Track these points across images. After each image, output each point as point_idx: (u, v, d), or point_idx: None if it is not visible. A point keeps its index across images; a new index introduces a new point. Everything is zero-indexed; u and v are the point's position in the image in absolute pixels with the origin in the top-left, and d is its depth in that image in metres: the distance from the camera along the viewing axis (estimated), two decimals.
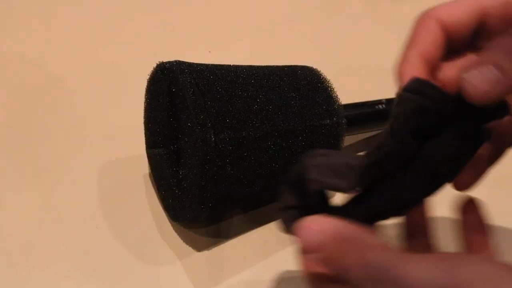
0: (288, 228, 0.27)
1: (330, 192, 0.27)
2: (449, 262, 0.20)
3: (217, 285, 0.36)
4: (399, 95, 0.24)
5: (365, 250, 0.22)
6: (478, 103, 0.22)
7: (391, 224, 0.28)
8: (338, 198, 0.27)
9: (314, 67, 0.39)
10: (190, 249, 0.38)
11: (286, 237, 0.39)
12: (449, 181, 0.25)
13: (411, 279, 0.19)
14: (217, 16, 0.57)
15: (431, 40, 0.27)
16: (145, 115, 0.40)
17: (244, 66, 0.37)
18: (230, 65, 0.37)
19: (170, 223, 0.39)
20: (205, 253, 0.38)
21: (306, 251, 0.24)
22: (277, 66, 0.38)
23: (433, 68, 0.28)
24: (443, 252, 0.24)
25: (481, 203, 0.29)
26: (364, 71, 0.52)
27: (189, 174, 0.34)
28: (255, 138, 0.34)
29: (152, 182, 0.41)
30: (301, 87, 0.37)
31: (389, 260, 0.20)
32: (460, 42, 0.28)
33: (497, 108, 0.23)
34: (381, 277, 0.20)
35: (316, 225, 0.23)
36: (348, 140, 0.42)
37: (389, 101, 0.42)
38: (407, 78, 0.24)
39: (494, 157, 0.30)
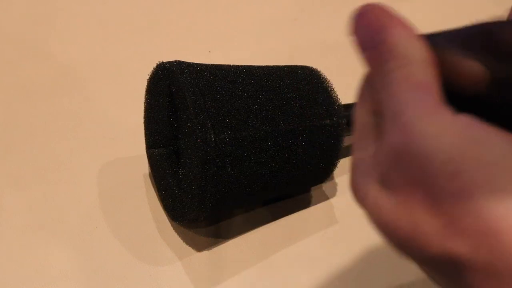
0: None
1: None
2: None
3: (217, 285, 0.36)
4: None
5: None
6: None
7: None
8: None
9: (314, 67, 0.39)
10: (190, 249, 0.38)
11: (286, 237, 0.39)
12: None
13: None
14: (217, 16, 0.57)
15: None
16: (145, 115, 0.40)
17: (244, 66, 0.37)
18: (230, 65, 0.37)
19: (170, 223, 0.39)
20: (205, 253, 0.38)
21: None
22: (277, 66, 0.38)
23: None
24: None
25: None
26: (364, 71, 0.52)
27: (189, 174, 0.34)
28: (255, 138, 0.34)
29: (152, 182, 0.41)
30: (301, 87, 0.37)
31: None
32: None
33: None
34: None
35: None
36: (348, 140, 0.42)
37: None
38: None
39: None
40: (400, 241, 0.19)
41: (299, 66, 0.39)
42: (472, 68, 0.20)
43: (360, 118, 0.22)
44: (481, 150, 0.17)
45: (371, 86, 0.22)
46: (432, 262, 0.18)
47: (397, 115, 0.19)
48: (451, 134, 0.18)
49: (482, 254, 0.17)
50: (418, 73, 0.19)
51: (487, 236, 0.17)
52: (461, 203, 0.17)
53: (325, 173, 0.39)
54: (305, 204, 0.41)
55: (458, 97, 0.20)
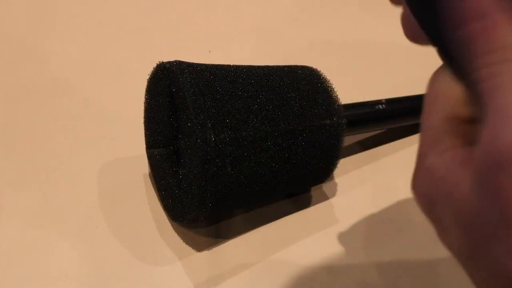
0: None
1: None
2: None
3: (217, 285, 0.36)
4: None
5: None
6: None
7: None
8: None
9: (314, 67, 0.39)
10: (190, 249, 0.38)
11: (286, 237, 0.39)
12: None
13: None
14: (217, 16, 0.57)
15: None
16: (145, 115, 0.40)
17: (244, 66, 0.37)
18: (230, 65, 0.37)
19: (170, 223, 0.39)
20: (205, 253, 0.38)
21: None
22: (277, 66, 0.38)
23: None
24: None
25: None
26: (364, 71, 0.52)
27: (189, 174, 0.34)
28: (255, 138, 0.34)
29: (152, 182, 0.41)
30: (301, 87, 0.37)
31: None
32: None
33: None
34: None
35: None
36: (348, 140, 0.42)
37: (389, 101, 0.42)
38: None
39: None
40: (479, 243, 0.18)
41: (299, 66, 0.39)
42: None
43: (433, 123, 0.21)
44: None
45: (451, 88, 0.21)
46: (496, 276, 0.18)
47: (506, 111, 0.17)
48: None
49: None
50: None
51: None
52: None
53: (325, 173, 0.39)
54: (305, 204, 0.41)
55: None
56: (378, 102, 0.42)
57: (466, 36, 0.18)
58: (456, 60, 0.19)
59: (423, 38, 0.22)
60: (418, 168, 0.21)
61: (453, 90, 0.21)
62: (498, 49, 0.18)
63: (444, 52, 0.20)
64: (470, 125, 0.20)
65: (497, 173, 0.17)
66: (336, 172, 0.39)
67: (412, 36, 0.24)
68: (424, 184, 0.20)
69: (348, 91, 0.39)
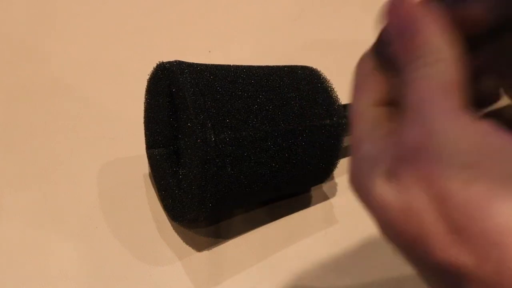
0: None
1: None
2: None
3: (217, 285, 0.36)
4: None
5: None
6: None
7: None
8: None
9: (314, 67, 0.39)
10: (190, 249, 0.38)
11: (286, 237, 0.39)
12: None
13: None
14: (217, 16, 0.57)
15: None
16: (145, 115, 0.40)
17: (244, 66, 0.37)
18: (230, 65, 0.37)
19: (170, 223, 0.39)
20: (205, 253, 0.38)
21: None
22: (277, 66, 0.38)
23: None
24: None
25: None
26: None
27: (189, 174, 0.34)
28: (255, 138, 0.34)
29: (152, 182, 0.41)
30: (301, 87, 0.37)
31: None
32: None
33: None
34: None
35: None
36: (348, 140, 0.42)
37: None
38: None
39: None
40: (404, 242, 0.19)
41: (299, 66, 0.39)
42: (477, 11, 0.20)
43: (365, 110, 0.22)
44: (498, 160, 0.17)
45: (378, 75, 0.22)
46: (434, 269, 0.18)
47: (420, 112, 0.19)
48: (471, 140, 0.17)
49: (487, 267, 0.16)
50: (447, 72, 0.19)
51: (495, 249, 0.16)
52: (471, 212, 0.17)
53: (325, 173, 0.39)
54: (305, 204, 0.41)
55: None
56: None
57: (395, 51, 0.21)
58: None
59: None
60: (354, 157, 0.21)
61: (379, 75, 0.22)
62: (420, 56, 0.20)
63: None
64: (395, 108, 0.21)
65: (398, 165, 0.19)
66: (336, 172, 0.39)
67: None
68: (358, 174, 0.21)
69: (348, 91, 0.39)
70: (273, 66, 0.38)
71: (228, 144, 0.32)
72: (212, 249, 0.38)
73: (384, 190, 0.19)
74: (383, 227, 0.20)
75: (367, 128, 0.21)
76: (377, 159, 0.20)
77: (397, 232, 0.19)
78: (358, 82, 0.23)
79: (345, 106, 0.38)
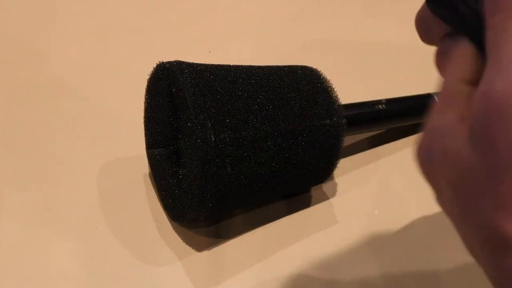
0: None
1: None
2: None
3: (217, 285, 0.36)
4: None
5: None
6: None
7: None
8: None
9: (314, 67, 0.39)
10: (190, 249, 0.38)
11: (286, 237, 0.39)
12: None
13: None
14: (217, 16, 0.57)
15: None
16: (145, 115, 0.40)
17: (244, 66, 0.37)
18: (230, 65, 0.37)
19: (170, 223, 0.39)
20: (205, 253, 0.38)
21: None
22: (277, 66, 0.38)
23: None
24: None
25: None
26: (364, 71, 0.52)
27: (189, 174, 0.34)
28: (255, 138, 0.34)
29: (152, 182, 0.41)
30: (301, 87, 0.37)
31: None
32: None
33: None
34: None
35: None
36: (348, 140, 0.42)
37: (389, 101, 0.42)
38: None
39: None
40: (468, 200, 0.18)
41: (299, 66, 0.39)
42: None
43: (450, 85, 0.21)
44: None
45: (475, 57, 0.21)
46: (484, 233, 0.17)
47: (501, 62, 0.17)
48: None
49: None
50: None
51: None
52: None
53: (325, 173, 0.39)
54: (305, 204, 0.41)
55: None
56: (378, 102, 0.42)
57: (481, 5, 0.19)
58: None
59: (436, 36, 0.23)
60: (424, 131, 0.21)
61: (471, 54, 0.21)
62: (504, 9, 0.18)
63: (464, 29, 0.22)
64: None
65: (487, 121, 0.17)
66: (336, 172, 0.39)
67: (426, 35, 0.24)
68: (425, 144, 0.20)
69: (348, 91, 0.39)
70: (273, 66, 0.38)
71: (228, 144, 0.32)
72: (212, 249, 0.38)
73: (468, 151, 0.18)
74: (455, 187, 0.19)
75: (447, 101, 0.21)
76: (452, 127, 0.19)
77: (466, 192, 0.18)
78: (443, 59, 0.23)
79: (345, 106, 0.38)
